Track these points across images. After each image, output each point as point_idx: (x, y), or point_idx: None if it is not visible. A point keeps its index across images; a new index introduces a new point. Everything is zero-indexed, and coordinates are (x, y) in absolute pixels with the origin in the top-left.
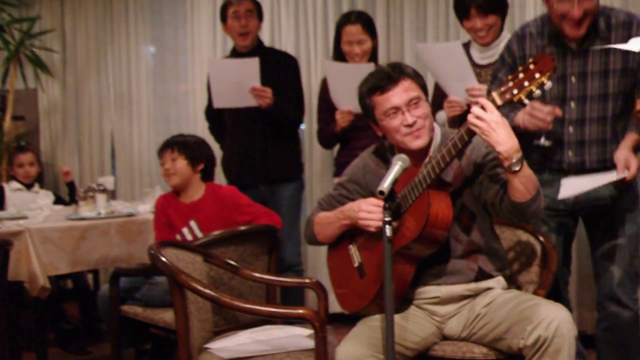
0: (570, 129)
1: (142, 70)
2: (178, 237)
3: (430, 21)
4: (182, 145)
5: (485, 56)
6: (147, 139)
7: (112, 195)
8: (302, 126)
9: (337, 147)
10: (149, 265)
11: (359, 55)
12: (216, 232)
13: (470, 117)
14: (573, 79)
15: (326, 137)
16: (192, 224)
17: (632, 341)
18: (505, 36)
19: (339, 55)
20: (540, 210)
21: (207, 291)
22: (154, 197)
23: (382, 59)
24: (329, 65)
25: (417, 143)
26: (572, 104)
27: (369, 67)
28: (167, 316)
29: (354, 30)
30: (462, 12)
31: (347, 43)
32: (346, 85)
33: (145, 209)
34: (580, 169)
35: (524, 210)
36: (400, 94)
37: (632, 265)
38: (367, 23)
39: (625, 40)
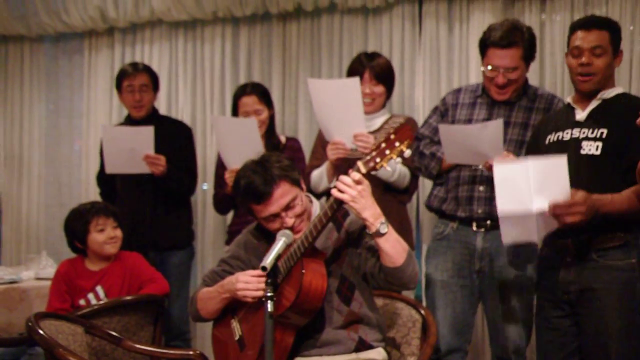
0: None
1: (35, 130)
2: (82, 302)
3: None
4: (116, 214)
5: (365, 125)
6: (36, 202)
7: None
8: (205, 186)
9: (230, 215)
10: (29, 336)
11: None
12: (99, 302)
13: (336, 187)
14: None
15: (220, 201)
16: (99, 289)
17: None
18: (385, 114)
19: None
20: (415, 274)
21: None
22: (39, 264)
23: (279, 129)
24: (216, 120)
25: (297, 236)
26: None
27: (251, 123)
28: None
29: (250, 102)
30: (356, 74)
31: (244, 114)
32: (234, 143)
33: (29, 275)
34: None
35: (399, 275)
36: (276, 202)
37: (527, 325)
38: (262, 94)
39: (547, 107)
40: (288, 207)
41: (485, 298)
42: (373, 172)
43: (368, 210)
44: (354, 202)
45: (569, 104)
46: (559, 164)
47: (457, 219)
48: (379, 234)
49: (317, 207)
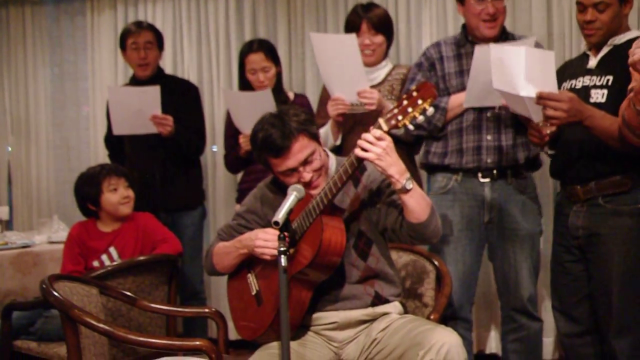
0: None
1: (41, 95)
2: (96, 263)
3: None
4: (127, 175)
5: (368, 78)
6: (45, 166)
7: (6, 225)
8: (214, 148)
9: (240, 174)
10: (44, 299)
11: (263, 83)
12: (113, 263)
13: (359, 145)
14: None
15: (231, 162)
16: (112, 250)
17: (538, 349)
18: (387, 64)
19: (244, 83)
20: (438, 229)
21: (101, 325)
22: (51, 227)
23: (286, 86)
24: (228, 94)
25: (313, 192)
26: None
27: (266, 94)
28: (62, 350)
29: (257, 59)
30: (353, 27)
31: (251, 71)
32: (247, 111)
33: (41, 239)
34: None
35: (423, 231)
36: (294, 157)
37: (535, 274)
38: (269, 50)
39: None
40: (306, 162)
41: (495, 250)
42: (394, 130)
43: (394, 167)
44: (379, 160)
45: (584, 52)
46: (549, 57)
47: (461, 170)
48: (404, 190)
49: (333, 162)
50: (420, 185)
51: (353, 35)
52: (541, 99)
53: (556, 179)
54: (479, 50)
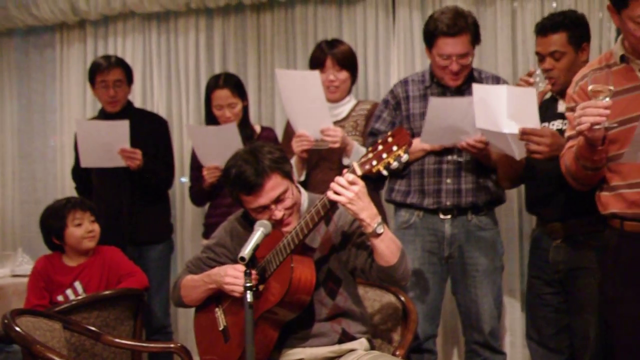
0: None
1: (7, 126)
2: (61, 297)
3: None
4: (92, 208)
5: (332, 114)
6: (11, 197)
7: None
8: (183, 179)
9: (207, 208)
10: (5, 334)
11: (230, 118)
12: (77, 298)
13: (332, 188)
14: None
15: (196, 194)
16: (77, 284)
17: None
18: (351, 100)
19: (211, 118)
20: (408, 272)
21: None
22: (15, 261)
23: (255, 120)
24: (191, 129)
25: (285, 229)
26: None
27: (231, 128)
28: None
29: (222, 95)
30: (318, 63)
31: (217, 107)
32: (212, 145)
33: (5, 272)
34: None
35: (392, 273)
36: (266, 195)
37: (497, 308)
38: (235, 86)
39: None
40: (278, 200)
41: (457, 285)
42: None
43: (365, 211)
44: (351, 204)
45: (552, 96)
46: (530, 94)
47: (423, 209)
48: (375, 235)
49: (305, 199)
50: (385, 219)
51: (316, 73)
52: (525, 134)
53: (533, 214)
54: (434, 101)
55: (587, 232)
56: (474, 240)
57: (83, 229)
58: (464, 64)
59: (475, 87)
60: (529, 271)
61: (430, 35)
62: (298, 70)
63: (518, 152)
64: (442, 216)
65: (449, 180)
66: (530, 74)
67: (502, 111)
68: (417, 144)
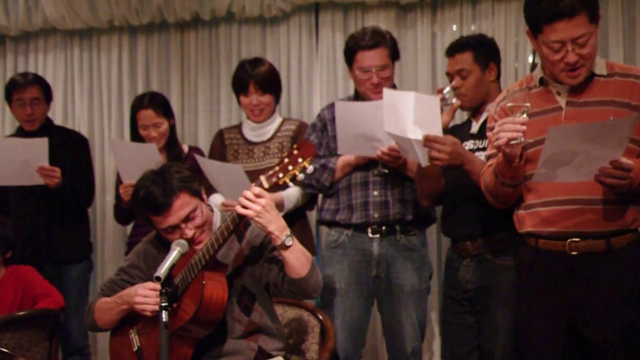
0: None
1: None
2: None
3: (224, 103)
4: None
5: (257, 134)
6: None
7: None
8: None
9: (130, 227)
10: None
11: (155, 138)
12: None
13: (239, 202)
14: None
15: (119, 213)
16: None
17: None
18: (275, 119)
19: (137, 138)
20: (319, 284)
21: None
22: None
23: (178, 138)
24: (114, 143)
25: (197, 247)
26: None
27: (151, 148)
28: None
29: (147, 115)
30: (241, 87)
31: (142, 127)
32: (131, 162)
33: None
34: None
35: (303, 285)
36: (175, 214)
37: (421, 329)
38: (160, 106)
39: None
40: (188, 219)
41: (382, 304)
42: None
43: (273, 224)
44: (258, 217)
45: (468, 118)
46: (435, 102)
47: (351, 226)
48: (284, 247)
49: (218, 217)
50: (310, 239)
51: (239, 167)
52: (427, 141)
53: (447, 236)
54: (340, 105)
55: (496, 251)
56: (402, 260)
57: None
58: (383, 76)
59: (386, 91)
60: (444, 290)
61: (350, 51)
62: (219, 162)
63: (423, 159)
64: (370, 235)
65: (375, 193)
66: (440, 91)
67: (409, 117)
68: (343, 159)
